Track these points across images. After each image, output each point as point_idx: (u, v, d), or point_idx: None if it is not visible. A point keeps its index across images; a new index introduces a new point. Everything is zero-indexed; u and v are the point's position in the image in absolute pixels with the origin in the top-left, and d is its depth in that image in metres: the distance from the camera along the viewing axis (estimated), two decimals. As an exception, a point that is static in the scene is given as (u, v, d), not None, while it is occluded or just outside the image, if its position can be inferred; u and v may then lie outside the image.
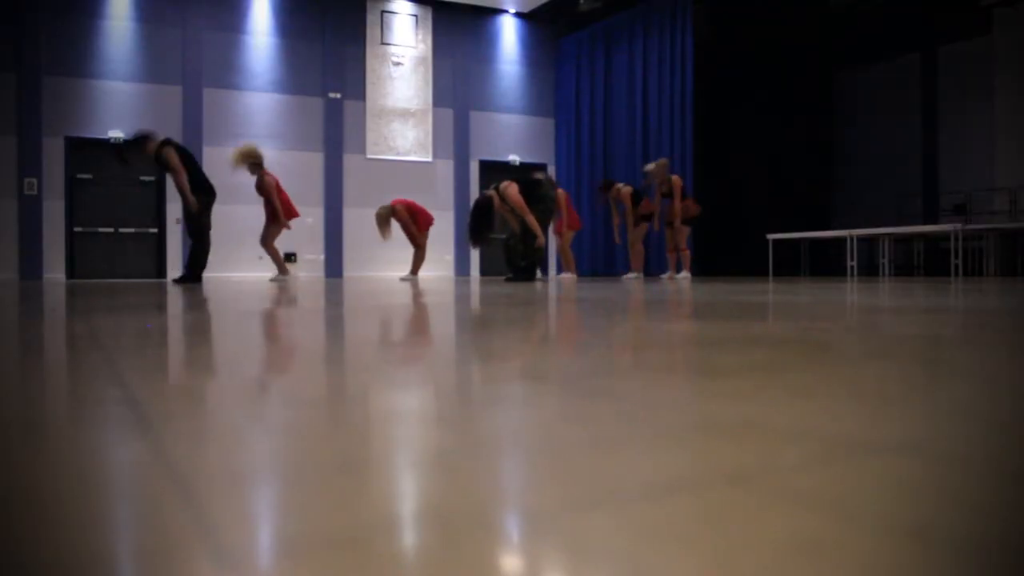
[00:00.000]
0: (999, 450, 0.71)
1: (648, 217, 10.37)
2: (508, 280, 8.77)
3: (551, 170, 15.23)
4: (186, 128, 12.44)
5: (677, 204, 10.09)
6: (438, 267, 14.06)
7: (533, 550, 0.46)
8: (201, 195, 8.42)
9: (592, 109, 14.46)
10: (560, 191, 10.37)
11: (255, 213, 12.95)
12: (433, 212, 10.28)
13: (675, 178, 10.17)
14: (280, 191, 8.99)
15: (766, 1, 12.59)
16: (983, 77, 12.23)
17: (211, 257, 8.95)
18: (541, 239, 8.73)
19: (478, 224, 8.83)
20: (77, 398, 1.03)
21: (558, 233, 10.40)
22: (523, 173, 9.71)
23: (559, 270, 12.09)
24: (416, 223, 9.70)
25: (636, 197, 10.39)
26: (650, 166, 10.36)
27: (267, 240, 9.04)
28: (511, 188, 8.71)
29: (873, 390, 1.04)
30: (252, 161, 8.83)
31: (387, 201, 9.82)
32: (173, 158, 8.22)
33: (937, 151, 13.19)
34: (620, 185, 10.56)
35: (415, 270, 10.10)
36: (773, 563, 0.43)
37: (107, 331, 2.07)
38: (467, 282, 8.78)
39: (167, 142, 8.38)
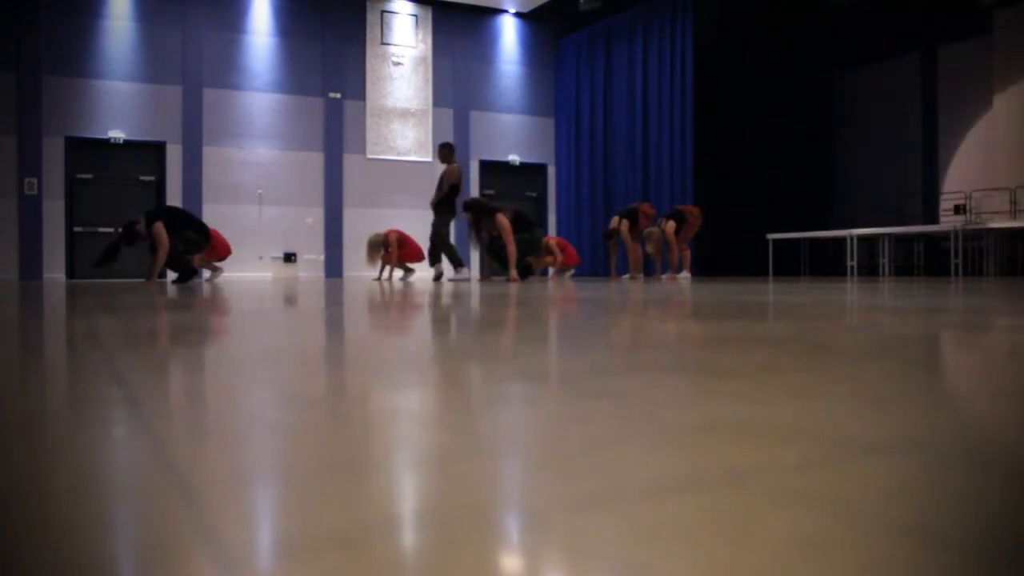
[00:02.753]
0: (999, 450, 0.71)
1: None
2: (508, 281, 8.80)
3: (551, 170, 15.24)
4: (186, 128, 12.45)
5: (674, 254, 10.17)
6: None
7: (533, 550, 0.46)
8: (190, 233, 8.55)
9: (592, 109, 14.46)
10: (554, 238, 11.10)
11: (254, 213, 12.99)
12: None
13: (669, 225, 10.17)
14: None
15: (766, 1, 12.59)
16: (983, 77, 12.22)
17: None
18: (513, 274, 8.86)
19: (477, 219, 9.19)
20: (77, 397, 1.03)
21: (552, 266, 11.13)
22: (524, 207, 10.11)
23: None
24: (401, 252, 10.37)
25: (631, 218, 10.55)
26: (653, 233, 10.32)
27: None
28: (503, 218, 8.86)
29: (873, 390, 1.04)
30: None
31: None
32: (162, 233, 8.29)
33: (937, 151, 13.18)
34: (617, 224, 10.63)
35: (407, 273, 10.74)
36: (773, 563, 0.43)
37: (107, 331, 2.07)
38: (465, 283, 8.78)
39: (156, 216, 8.44)
